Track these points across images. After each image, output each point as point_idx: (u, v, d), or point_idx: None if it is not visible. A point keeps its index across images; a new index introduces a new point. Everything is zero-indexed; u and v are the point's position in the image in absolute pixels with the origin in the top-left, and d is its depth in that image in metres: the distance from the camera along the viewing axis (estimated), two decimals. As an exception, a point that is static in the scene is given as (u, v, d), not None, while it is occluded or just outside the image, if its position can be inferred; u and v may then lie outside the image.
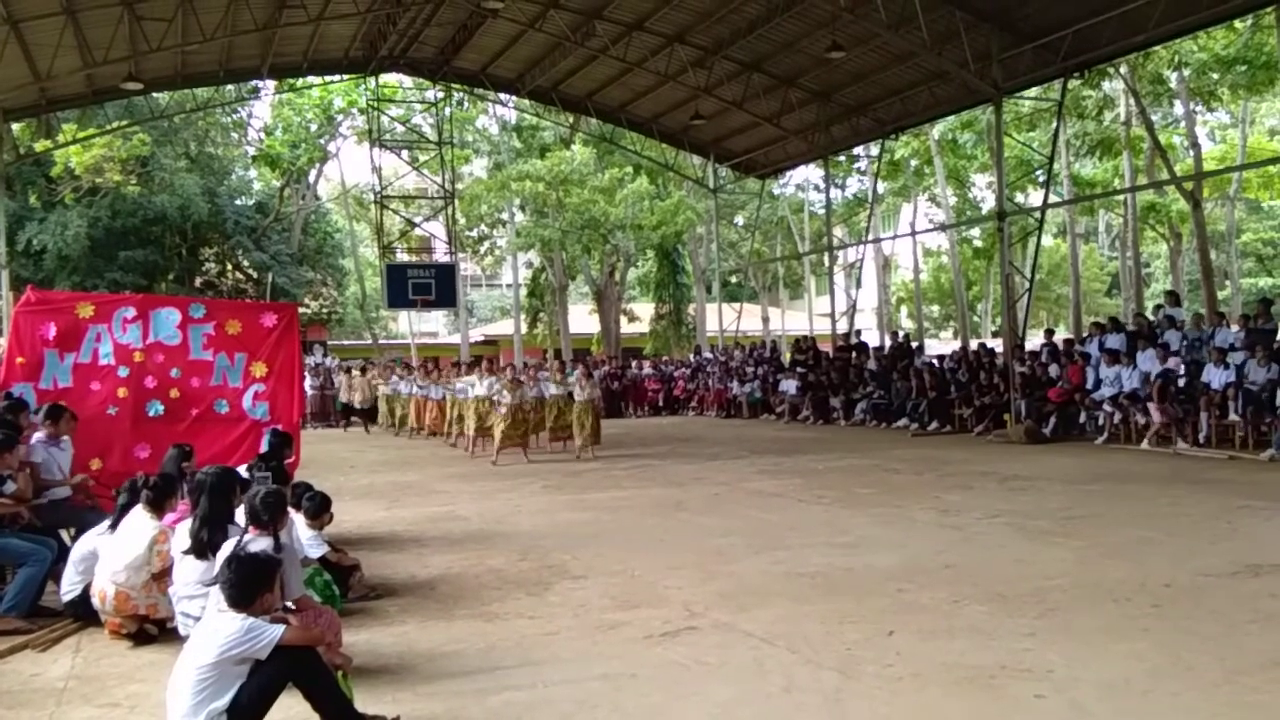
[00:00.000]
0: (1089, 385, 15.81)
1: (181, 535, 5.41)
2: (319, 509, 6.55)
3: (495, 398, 15.40)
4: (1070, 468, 12.45)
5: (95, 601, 5.72)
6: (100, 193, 30.18)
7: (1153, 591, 6.12)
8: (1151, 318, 17.21)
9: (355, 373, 25.84)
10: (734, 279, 41.98)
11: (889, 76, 20.94)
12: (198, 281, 37.17)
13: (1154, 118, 27.21)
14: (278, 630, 3.95)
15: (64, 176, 28.49)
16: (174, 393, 8.36)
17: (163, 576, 5.51)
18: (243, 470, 6.37)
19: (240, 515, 5.57)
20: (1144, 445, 13.94)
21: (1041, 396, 16.36)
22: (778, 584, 6.70)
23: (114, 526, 5.89)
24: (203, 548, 5.19)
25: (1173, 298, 18.16)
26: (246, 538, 4.92)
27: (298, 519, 6.40)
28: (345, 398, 25.15)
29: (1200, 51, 23.03)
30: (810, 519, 9.38)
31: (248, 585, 4.04)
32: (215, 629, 3.96)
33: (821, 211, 33.01)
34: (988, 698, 4.43)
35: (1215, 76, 24.07)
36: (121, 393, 8.20)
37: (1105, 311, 37.49)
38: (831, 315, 27.88)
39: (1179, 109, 28.57)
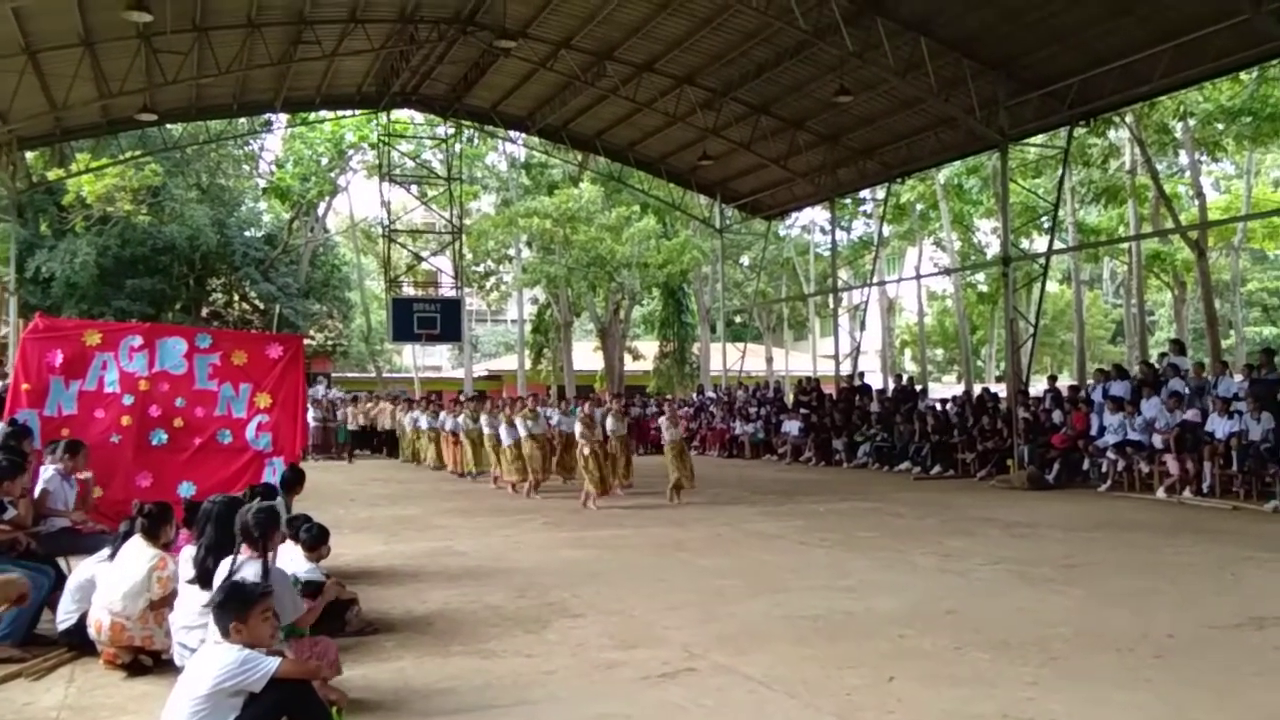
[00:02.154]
0: (1093, 432, 15.76)
1: (185, 564, 5.39)
2: (316, 540, 6.51)
3: (579, 436, 14.14)
4: (1073, 515, 12.38)
5: (91, 631, 5.69)
6: (110, 221, 30.39)
7: (1156, 641, 6.06)
8: (1156, 365, 17.20)
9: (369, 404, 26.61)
10: (739, 319, 42.14)
11: (896, 121, 21.11)
12: (205, 311, 37.31)
13: (1159, 167, 27.40)
14: (273, 663, 3.92)
15: (75, 205, 28.72)
16: (178, 422, 8.36)
17: (160, 606, 5.48)
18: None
19: None
20: (1160, 494, 13.82)
21: (1045, 442, 16.31)
22: (778, 627, 6.65)
23: (113, 555, 5.87)
24: (208, 576, 5.16)
25: (1177, 346, 18.14)
26: (241, 558, 4.90)
27: (295, 551, 6.38)
28: (352, 425, 25.63)
29: (1205, 102, 23.22)
30: (811, 562, 9.32)
31: (221, 610, 4.03)
32: (210, 660, 3.93)
33: (827, 253, 33.13)
34: (988, 747, 4.38)
35: (1220, 127, 24.25)
36: (125, 421, 8.20)
37: (1109, 358, 37.50)
38: (835, 357, 27.88)
39: (1184, 158, 28.76)
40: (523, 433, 15.40)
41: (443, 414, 21.01)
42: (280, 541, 5.17)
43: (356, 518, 12.92)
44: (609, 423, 14.70)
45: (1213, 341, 24.97)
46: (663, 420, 15.02)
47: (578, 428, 14.23)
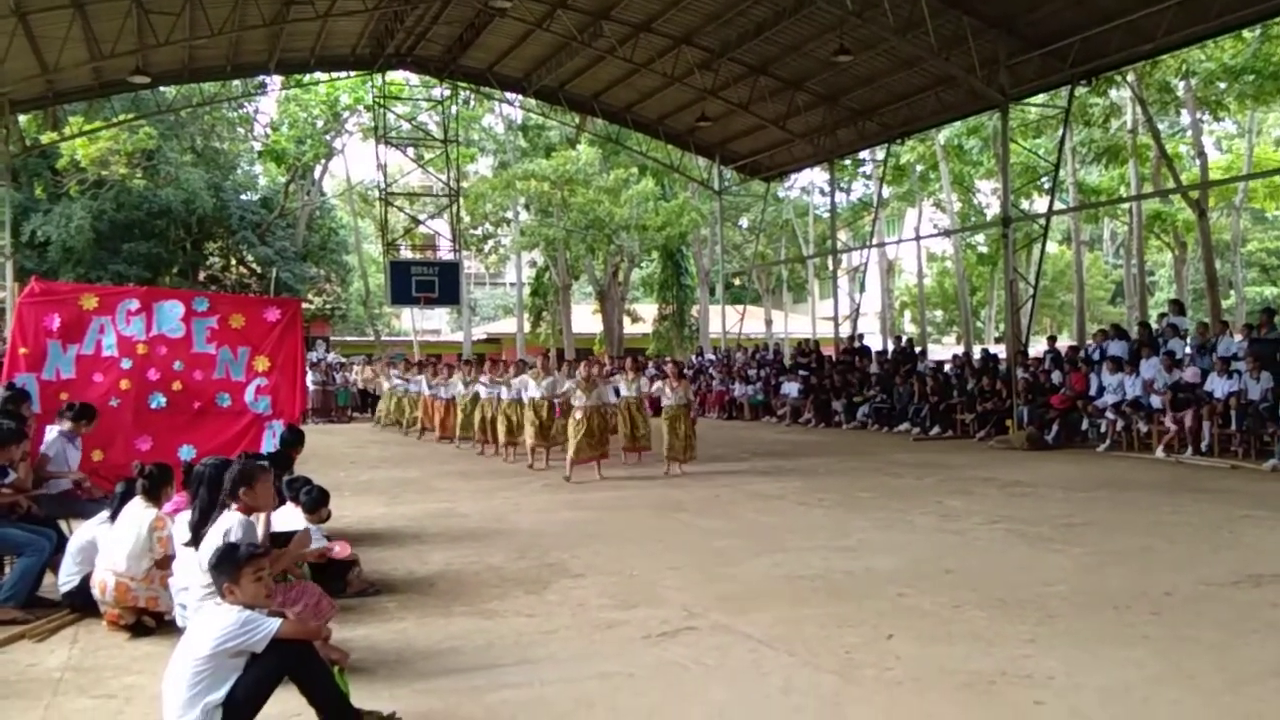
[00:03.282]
0: (1092, 392, 15.79)
1: (181, 527, 5.40)
2: (316, 503, 6.54)
3: (571, 401, 13.17)
4: (1072, 475, 12.42)
5: (95, 592, 5.71)
6: (105, 185, 30.23)
7: (1154, 599, 6.10)
8: (1155, 326, 17.19)
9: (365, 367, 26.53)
10: (738, 281, 41.96)
11: (896, 81, 20.93)
12: (202, 276, 37.22)
13: (1160, 126, 27.18)
14: (274, 624, 3.93)
15: (69, 169, 28.54)
16: (176, 385, 8.35)
17: (164, 565, 5.50)
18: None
19: None
20: (1158, 454, 13.86)
21: (1044, 403, 16.34)
22: (777, 586, 6.68)
23: (113, 517, 5.88)
24: (201, 539, 5.16)
25: (1177, 306, 18.12)
26: (226, 514, 4.90)
27: (296, 513, 6.40)
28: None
29: (1208, 60, 23.00)
30: (810, 522, 9.36)
31: (214, 572, 4.09)
32: (211, 621, 3.95)
33: (826, 215, 33.00)
34: (987, 703, 4.41)
35: (1223, 86, 24.04)
36: (124, 385, 8.19)
37: (1109, 319, 37.46)
38: (834, 319, 27.87)
39: (1186, 118, 28.52)
40: (538, 394, 14.30)
41: (421, 377, 20.28)
42: (263, 499, 5.16)
43: (357, 480, 12.96)
44: (667, 392, 13.39)
45: (1213, 301, 24.92)
46: (659, 384, 13.81)
47: (573, 390, 13.22)
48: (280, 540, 5.23)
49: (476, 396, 16.75)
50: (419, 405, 20.48)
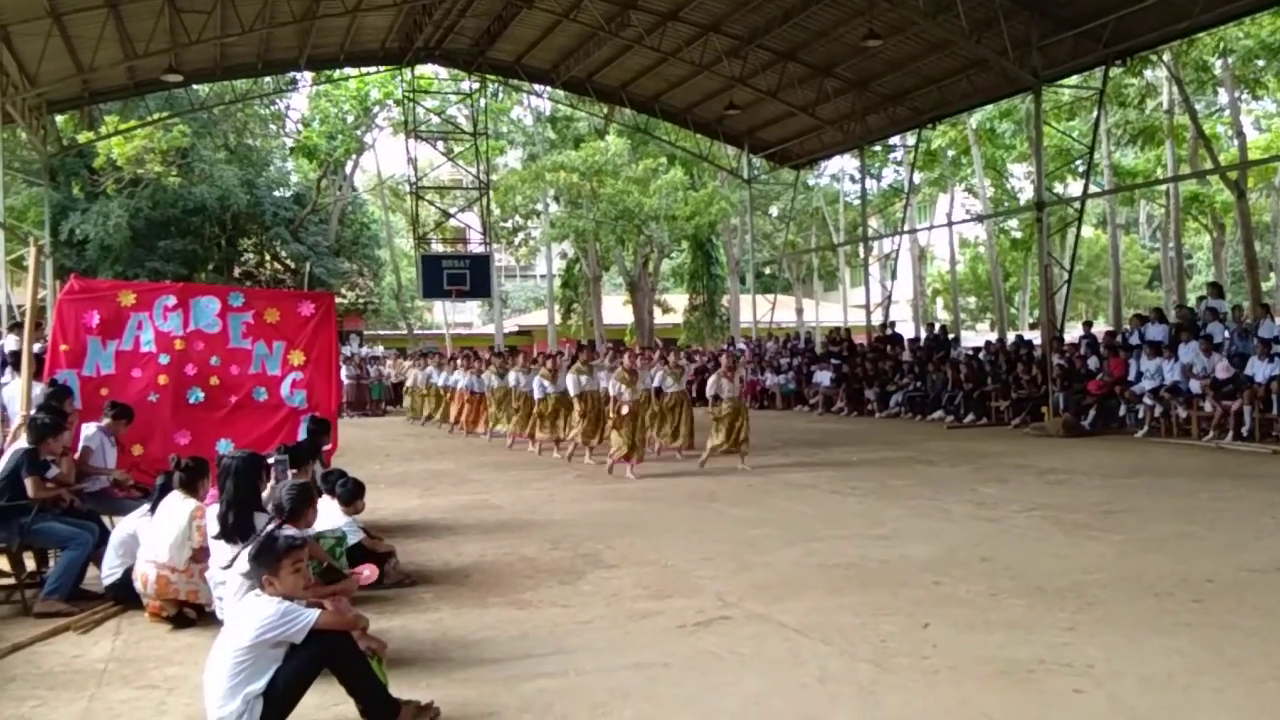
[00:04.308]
0: (1130, 377, 15.58)
1: (212, 520, 5.47)
2: (352, 495, 6.60)
3: (614, 394, 12.44)
4: (1109, 461, 12.28)
5: (137, 585, 5.80)
6: (141, 184, 30.59)
7: (1194, 586, 6.02)
8: (1194, 310, 16.93)
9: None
10: (768, 270, 41.79)
11: (926, 65, 20.69)
12: (236, 271, 37.59)
13: (1198, 106, 26.77)
14: (312, 615, 3.98)
15: (106, 167, 28.91)
16: (214, 380, 8.45)
17: (199, 558, 5.57)
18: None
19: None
20: (1198, 439, 13.65)
21: (1080, 389, 16.15)
22: (812, 575, 6.66)
23: (153, 509, 5.97)
24: (229, 531, 5.24)
25: (1216, 289, 17.83)
26: (274, 527, 4.95)
27: (332, 505, 6.46)
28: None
29: (1246, 38, 22.59)
30: (844, 511, 9.32)
31: (254, 563, 4.13)
32: (251, 613, 3.99)
33: (857, 202, 32.75)
34: (1026, 691, 4.37)
35: (1261, 64, 23.63)
36: (162, 380, 8.30)
37: (1146, 303, 36.96)
38: (866, 307, 27.67)
39: (1223, 97, 28.07)
40: (573, 391, 13.78)
41: (456, 372, 19.91)
42: (313, 518, 5.20)
43: (391, 473, 13.06)
44: (725, 385, 12.66)
45: (1253, 284, 24.52)
46: (714, 380, 12.91)
47: (613, 384, 12.57)
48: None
49: (507, 389, 16.70)
50: (454, 398, 20.11)
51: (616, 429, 12.34)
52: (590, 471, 12.84)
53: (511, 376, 16.42)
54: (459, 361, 20.52)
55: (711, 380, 12.97)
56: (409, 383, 23.10)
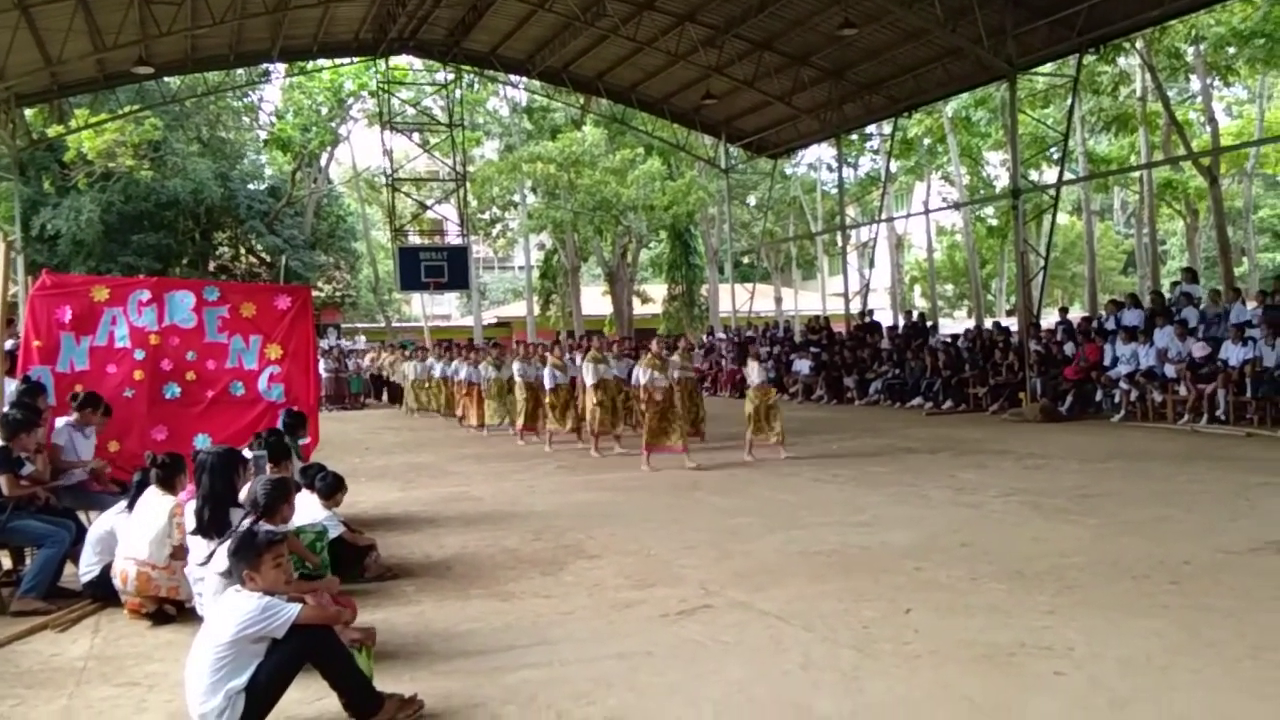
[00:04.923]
0: (1106, 363, 15.72)
1: (190, 516, 5.43)
2: (332, 489, 6.57)
3: (645, 382, 12.04)
4: (1086, 446, 12.38)
5: (116, 582, 5.75)
6: (113, 178, 30.26)
7: (1172, 568, 6.08)
8: (1168, 295, 17.08)
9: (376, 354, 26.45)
10: (746, 259, 41.86)
11: (902, 54, 20.76)
12: (211, 265, 37.29)
13: (1170, 93, 26.93)
14: (294, 609, 3.96)
15: (77, 161, 28.57)
16: (190, 375, 8.38)
17: (179, 555, 5.53)
18: (247, 452, 6.37)
19: (245, 494, 5.59)
20: (1181, 424, 13.76)
21: (1057, 375, 16.27)
22: (793, 563, 6.69)
23: (131, 506, 5.92)
24: (205, 527, 5.20)
25: (1190, 275, 18.01)
26: (250, 523, 4.91)
27: (312, 499, 6.43)
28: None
29: (1218, 25, 22.72)
30: (825, 498, 9.35)
31: (233, 558, 4.11)
32: (232, 608, 3.97)
33: (834, 191, 32.87)
34: (1007, 675, 4.40)
35: (1233, 51, 23.76)
36: (138, 375, 8.22)
37: (1121, 289, 37.29)
38: (845, 295, 27.76)
39: (1196, 84, 28.25)
40: (590, 380, 13.63)
41: (455, 362, 19.69)
42: (290, 514, 5.17)
43: (372, 466, 13.01)
44: (754, 373, 12.49)
45: (1226, 269, 24.73)
46: (752, 364, 12.76)
47: (642, 371, 12.17)
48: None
49: (507, 382, 16.29)
50: (455, 390, 19.62)
51: (647, 417, 11.98)
52: (575, 461, 12.83)
53: (516, 367, 15.64)
54: (463, 353, 20.08)
55: (752, 366, 12.76)
56: (412, 376, 22.82)
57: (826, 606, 5.55)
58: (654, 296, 42.04)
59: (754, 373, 12.41)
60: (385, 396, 27.20)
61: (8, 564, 6.70)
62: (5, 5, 16.64)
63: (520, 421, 15.42)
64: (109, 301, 8.30)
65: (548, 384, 14.43)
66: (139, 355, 8.26)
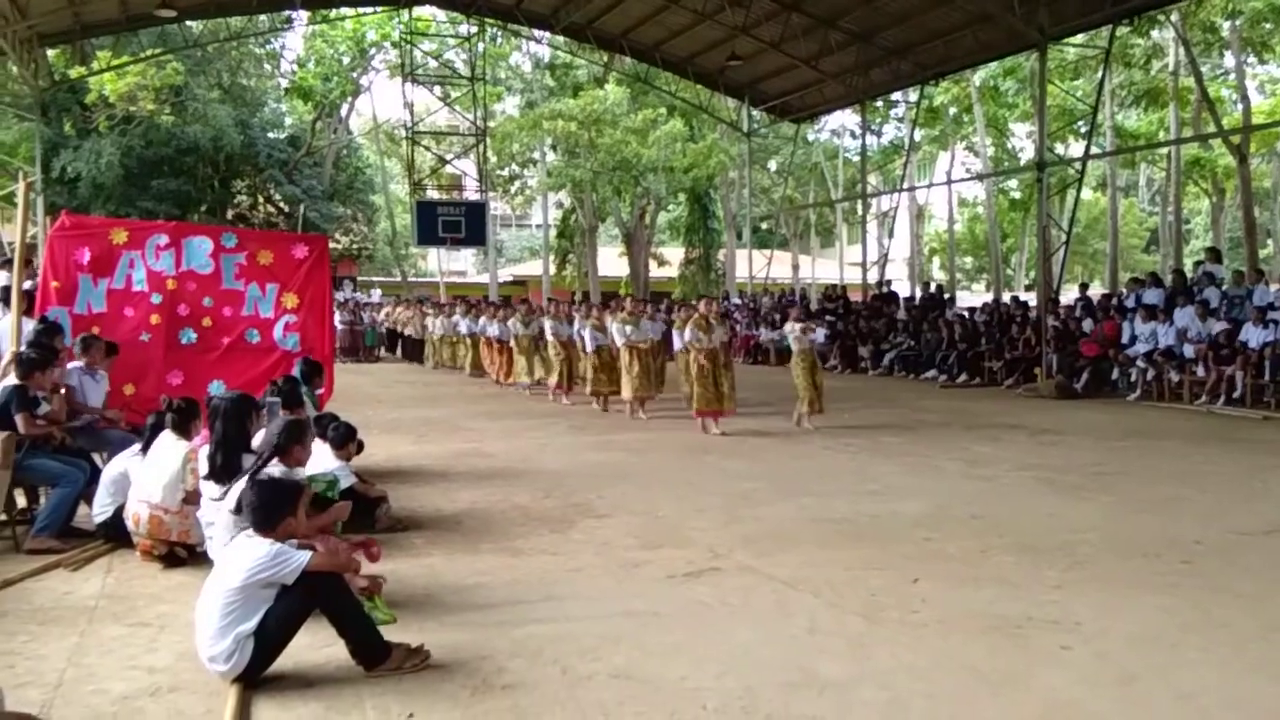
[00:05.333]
0: (1124, 341, 15.59)
1: (203, 461, 5.46)
2: (344, 439, 6.58)
3: (690, 341, 11.76)
4: (1102, 423, 12.31)
5: (129, 524, 5.80)
6: (134, 121, 30.16)
7: (1184, 548, 6.05)
8: (1190, 274, 16.90)
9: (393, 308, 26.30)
10: (765, 225, 41.59)
11: (932, 18, 20.40)
12: (229, 213, 37.23)
13: (1203, 69, 26.48)
14: (304, 556, 3.98)
15: (98, 104, 28.48)
16: (206, 321, 8.39)
17: (196, 499, 5.56)
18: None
19: (257, 441, 5.62)
20: (1198, 404, 13.65)
21: (1074, 351, 16.16)
22: (803, 529, 6.68)
23: (145, 449, 5.95)
24: (218, 472, 5.22)
25: (1214, 254, 17.79)
26: (262, 462, 4.94)
27: (325, 449, 6.44)
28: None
29: (1255, 0, 22.31)
30: (836, 466, 9.34)
31: (270, 508, 4.10)
32: (243, 553, 3.99)
33: (856, 158, 32.54)
34: (1013, 647, 4.40)
35: (1269, 26, 23.34)
36: (154, 319, 8.23)
37: (1142, 267, 36.92)
38: (863, 264, 27.59)
39: (1229, 60, 27.79)
40: (620, 340, 13.28)
41: (483, 319, 19.22)
42: (303, 457, 5.19)
43: (384, 419, 13.03)
44: (794, 340, 12.15)
45: (1250, 250, 24.47)
46: (790, 325, 12.45)
47: (689, 331, 11.79)
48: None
49: (534, 339, 16.13)
50: (478, 346, 19.49)
51: (692, 381, 11.64)
52: (586, 421, 12.83)
53: (548, 325, 15.25)
54: (491, 310, 19.66)
55: (788, 328, 12.50)
56: (439, 332, 22.72)
57: (834, 573, 5.55)
58: (671, 259, 41.87)
59: (798, 333, 11.98)
60: (399, 350, 27.22)
61: (23, 502, 6.76)
62: (29, -57, 16.56)
63: (553, 380, 15.17)
64: (127, 245, 8.29)
65: (589, 346, 14.05)
66: (156, 299, 8.26)
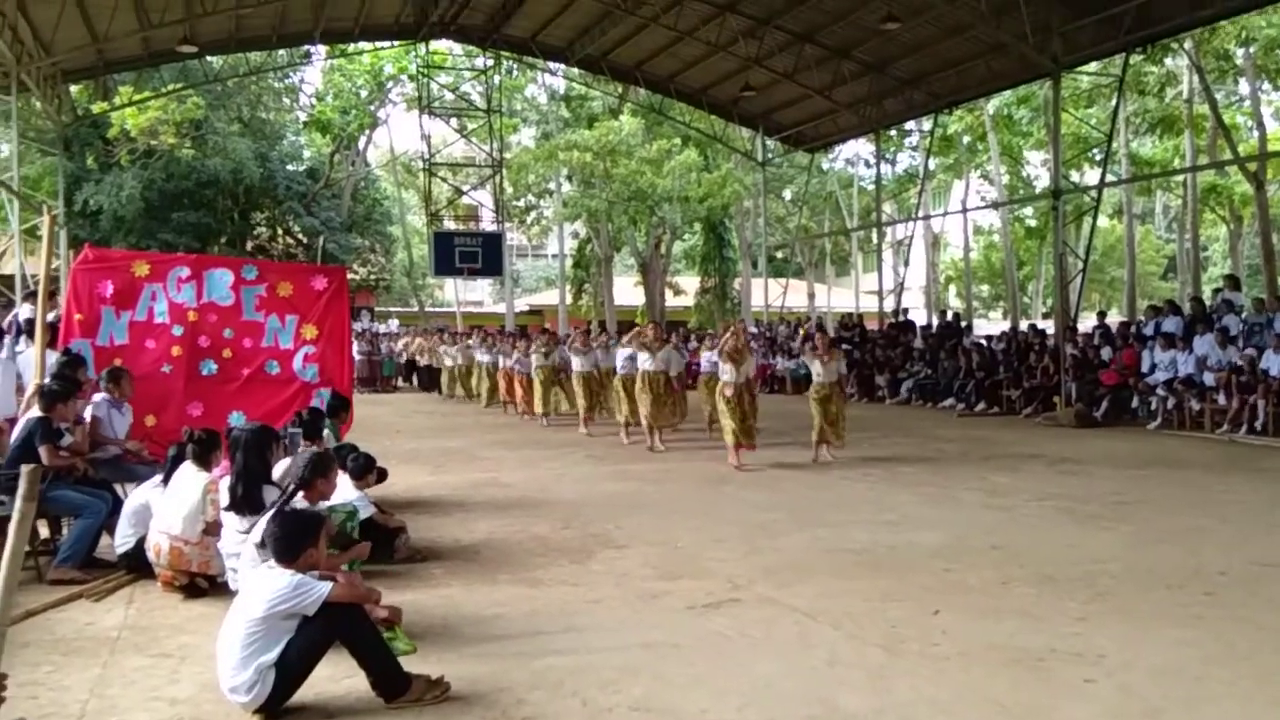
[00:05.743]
0: (1143, 369, 15.51)
1: (224, 492, 5.50)
2: (363, 469, 6.61)
3: (724, 373, 11.40)
4: (1122, 452, 12.23)
5: (150, 555, 5.83)
6: (155, 155, 30.57)
7: (1207, 579, 5.99)
8: (1209, 302, 16.82)
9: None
10: (780, 254, 41.66)
11: (945, 49, 20.52)
12: (249, 245, 37.58)
13: (1218, 95, 26.48)
14: (325, 587, 4.00)
15: (120, 138, 28.87)
16: (226, 352, 8.46)
17: (216, 530, 5.60)
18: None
19: (277, 472, 5.66)
20: (1219, 433, 13.54)
21: (1093, 379, 16.08)
22: (821, 560, 6.66)
23: (166, 480, 5.99)
24: (238, 503, 5.26)
25: (1232, 281, 17.72)
26: (288, 496, 4.97)
27: (344, 479, 6.47)
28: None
29: (1269, 27, 22.33)
30: (854, 496, 9.31)
31: (291, 540, 4.12)
32: (264, 584, 4.01)
33: (871, 187, 32.62)
34: (1036, 680, 4.36)
35: (1283, 53, 23.35)
36: (175, 351, 8.31)
37: (1160, 295, 36.76)
38: (879, 293, 27.58)
39: (1244, 87, 27.78)
40: (649, 367, 12.99)
41: (499, 348, 19.24)
42: (328, 490, 5.22)
43: (403, 449, 13.07)
44: (817, 367, 11.71)
45: (1269, 277, 24.31)
46: (807, 356, 12.04)
47: (721, 365, 11.51)
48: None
49: (555, 370, 16.11)
50: (497, 377, 19.25)
51: (724, 415, 11.23)
52: (605, 450, 12.83)
53: (576, 362, 15.09)
54: (510, 341, 19.59)
55: (802, 359, 12.26)
56: (451, 362, 22.75)
57: (854, 604, 5.52)
58: (686, 288, 41.96)
59: (818, 367, 11.68)
60: (416, 381, 27.32)
61: (45, 533, 6.81)
62: (54, -19, 16.86)
63: (581, 411, 15.06)
64: (149, 277, 8.39)
65: (636, 367, 13.44)
66: (177, 331, 8.35)
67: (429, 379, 25.82)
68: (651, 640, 4.96)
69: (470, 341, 22.28)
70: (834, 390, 11.57)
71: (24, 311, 11.05)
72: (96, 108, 27.12)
